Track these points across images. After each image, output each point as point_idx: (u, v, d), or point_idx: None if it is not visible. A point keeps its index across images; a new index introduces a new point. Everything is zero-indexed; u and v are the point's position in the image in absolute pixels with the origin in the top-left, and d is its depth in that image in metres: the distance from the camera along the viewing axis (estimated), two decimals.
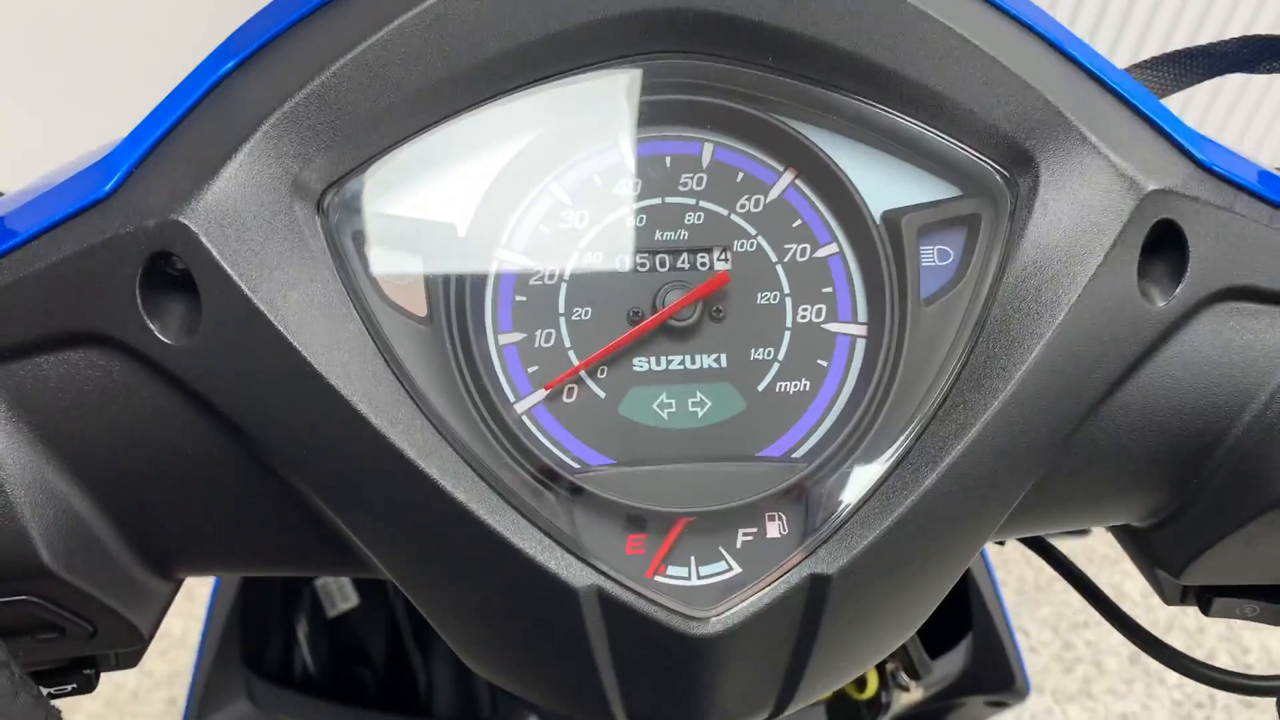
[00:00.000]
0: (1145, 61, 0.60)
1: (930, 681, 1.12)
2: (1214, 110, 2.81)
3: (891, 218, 0.52)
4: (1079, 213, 0.49)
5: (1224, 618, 0.60)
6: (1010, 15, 0.51)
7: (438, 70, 0.48)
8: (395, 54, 0.47)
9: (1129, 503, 0.56)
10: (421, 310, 0.50)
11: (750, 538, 0.50)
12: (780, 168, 0.52)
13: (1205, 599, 0.59)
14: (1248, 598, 0.59)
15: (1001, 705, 1.18)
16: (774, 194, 0.52)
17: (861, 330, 0.52)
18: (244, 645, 1.12)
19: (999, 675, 1.14)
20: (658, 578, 0.49)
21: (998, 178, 0.51)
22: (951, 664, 1.14)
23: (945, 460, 0.47)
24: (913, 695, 1.04)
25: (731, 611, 0.47)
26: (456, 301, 0.50)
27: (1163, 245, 0.50)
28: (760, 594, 0.47)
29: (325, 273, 0.47)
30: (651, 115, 0.52)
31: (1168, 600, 0.60)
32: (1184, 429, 0.52)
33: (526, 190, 0.51)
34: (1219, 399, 0.52)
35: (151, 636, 0.54)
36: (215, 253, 0.45)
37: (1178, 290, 0.50)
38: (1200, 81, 0.60)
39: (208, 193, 0.46)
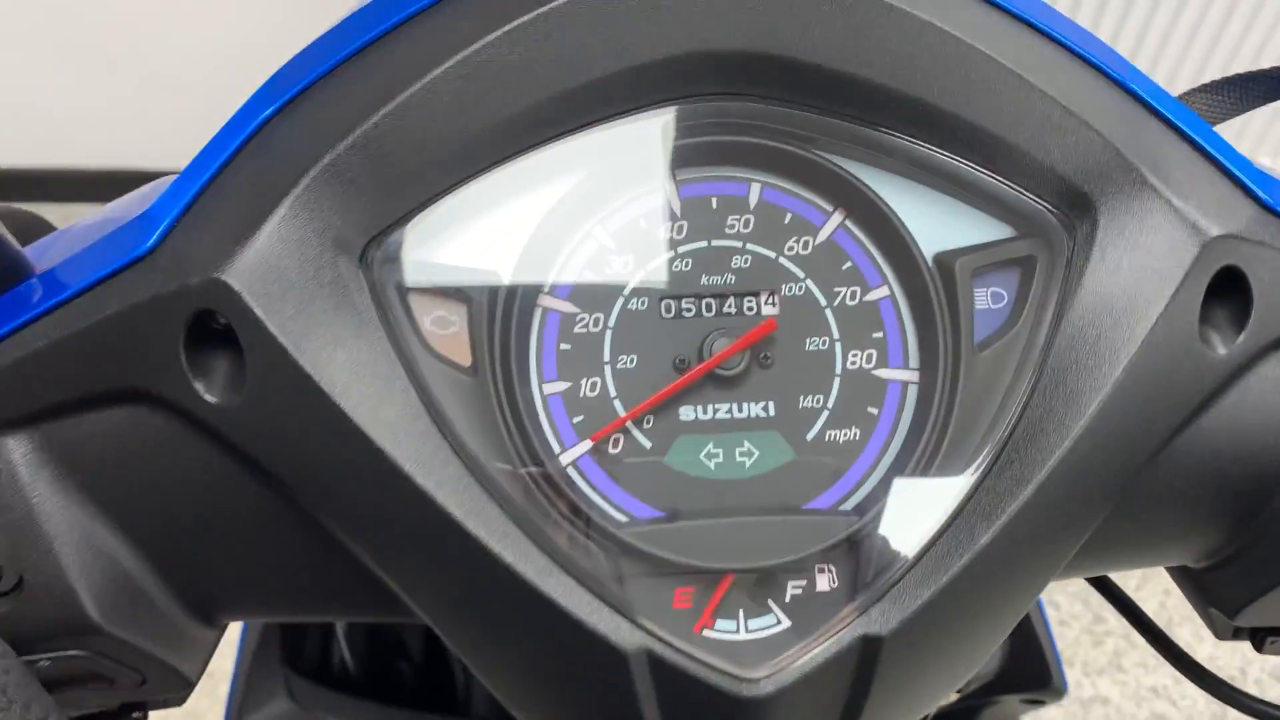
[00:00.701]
0: (1204, 86, 0.58)
1: (966, 681, 1.12)
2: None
3: (944, 259, 0.50)
4: (1139, 259, 0.48)
5: (1277, 655, 0.59)
6: (1066, 47, 0.50)
7: (481, 118, 0.47)
8: (438, 102, 0.46)
9: (1186, 546, 0.55)
10: (466, 360, 0.49)
11: (799, 590, 0.49)
12: (829, 208, 0.51)
13: (1259, 637, 0.58)
14: None
15: (1038, 703, 1.17)
16: (823, 235, 0.51)
17: (913, 376, 0.51)
18: (283, 643, 1.13)
19: (1036, 674, 1.14)
20: (706, 632, 0.48)
21: (1054, 220, 0.50)
22: (988, 663, 1.14)
23: (1001, 518, 0.46)
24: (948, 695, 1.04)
25: (782, 673, 0.46)
26: (501, 350, 0.49)
27: (1225, 289, 0.49)
28: (811, 655, 0.47)
29: (370, 329, 0.47)
30: (697, 156, 0.51)
31: (1219, 636, 0.59)
32: (1245, 474, 0.51)
33: (570, 235, 0.50)
34: (1278, 445, 0.50)
35: (198, 679, 0.55)
36: (259, 311, 0.45)
37: (1240, 338, 0.48)
38: (1259, 106, 0.59)
39: (250, 249, 0.45)
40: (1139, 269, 0.48)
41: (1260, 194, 0.49)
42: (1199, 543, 0.54)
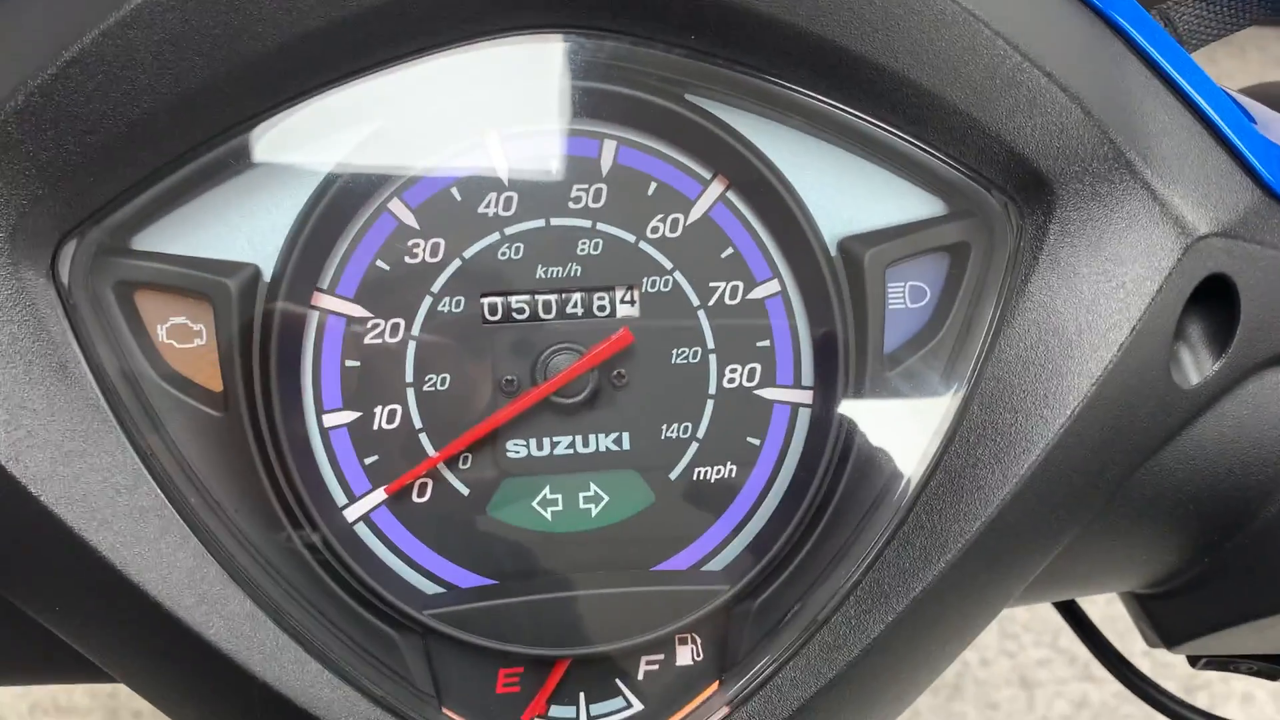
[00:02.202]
0: None
1: None
2: None
3: (850, 247, 0.39)
4: (1103, 265, 0.37)
5: (1214, 671, 0.52)
6: None
7: (218, 56, 0.33)
8: (150, 35, 0.32)
9: (1128, 578, 0.46)
10: (215, 384, 0.37)
11: (656, 666, 0.40)
12: (706, 175, 0.38)
13: (1195, 655, 0.51)
14: (1243, 658, 0.51)
15: None
16: (697, 212, 0.39)
17: (806, 397, 0.39)
18: None
19: None
20: None
21: (995, 203, 0.38)
22: None
23: (903, 601, 0.37)
24: None
25: None
26: (261, 371, 0.37)
27: (1205, 297, 0.38)
28: None
29: (69, 362, 0.34)
30: (531, 103, 0.37)
31: (1151, 645, 0.52)
32: (1203, 510, 0.42)
33: (355, 211, 0.37)
34: (1248, 480, 0.41)
35: None
36: None
37: (1218, 363, 0.38)
38: (1257, 23, 0.46)
39: None
40: (1102, 278, 0.37)
41: (1264, 172, 0.38)
42: (1144, 575, 0.46)
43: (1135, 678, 0.55)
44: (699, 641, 0.40)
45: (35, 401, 0.33)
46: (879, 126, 0.37)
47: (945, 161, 0.37)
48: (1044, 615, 2.17)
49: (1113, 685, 2.06)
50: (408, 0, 0.33)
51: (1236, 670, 0.51)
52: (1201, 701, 2.09)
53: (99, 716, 1.98)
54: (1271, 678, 0.51)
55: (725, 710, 0.38)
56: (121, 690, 1.98)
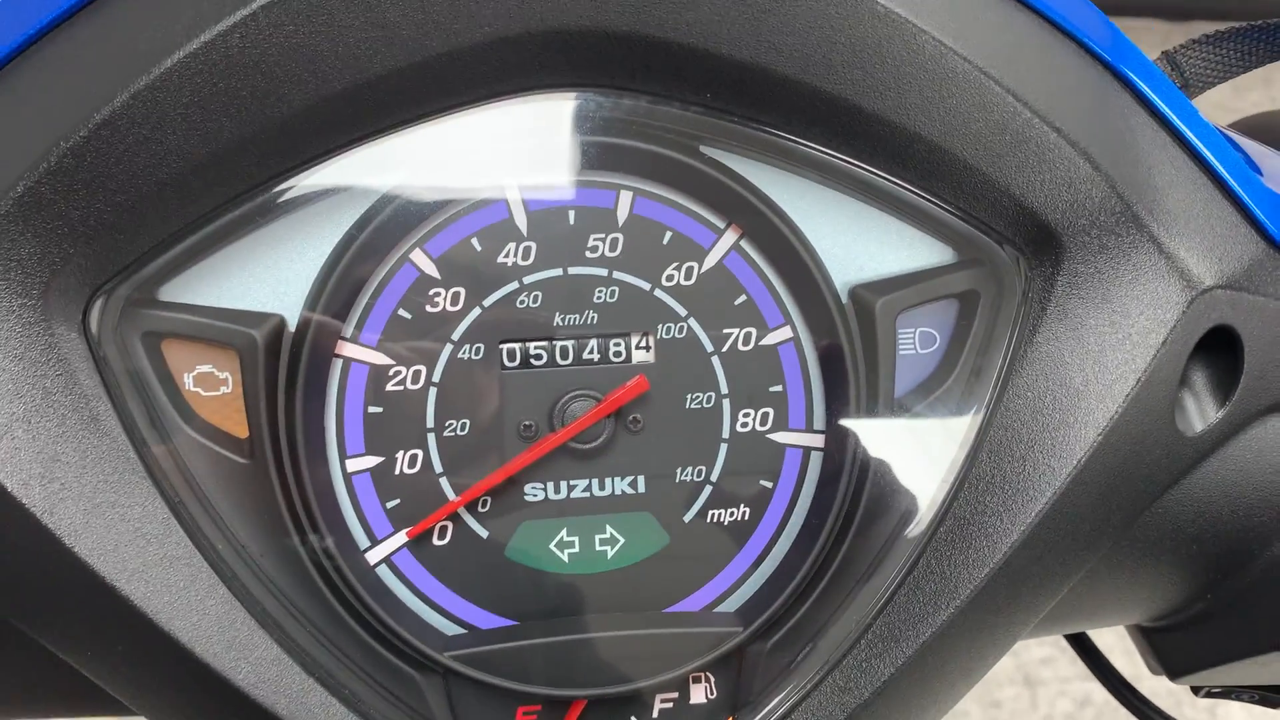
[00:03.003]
0: (1200, 39, 0.46)
1: None
2: None
3: (862, 295, 0.39)
4: (1110, 317, 0.37)
5: (1217, 699, 0.53)
6: (1053, 22, 0.37)
7: (244, 117, 0.34)
8: (179, 99, 0.33)
9: (1131, 614, 0.47)
10: (241, 431, 0.38)
11: (670, 704, 0.40)
12: (720, 225, 0.39)
13: (1198, 685, 0.52)
14: (1245, 688, 0.51)
15: None
16: (711, 261, 0.39)
17: (818, 441, 0.40)
18: None
19: None
20: None
21: (1004, 254, 0.38)
22: None
23: (913, 646, 0.38)
24: None
25: None
26: (286, 418, 0.38)
27: (1209, 346, 0.39)
28: None
29: (100, 414, 0.35)
30: (550, 157, 0.38)
31: (1154, 672, 0.53)
32: (1205, 551, 0.43)
33: (378, 262, 0.38)
34: (1251, 522, 0.42)
35: None
36: None
37: (1222, 411, 0.39)
38: (1263, 65, 0.46)
39: None
40: (1109, 330, 0.37)
41: (1268, 224, 0.38)
42: (1146, 611, 0.47)
43: (1140, 703, 0.56)
44: (713, 680, 0.41)
45: (68, 455, 0.34)
46: (890, 180, 0.37)
47: (955, 214, 0.38)
48: None
49: None
50: (431, 63, 0.34)
51: (1239, 699, 0.52)
52: (1205, 703, 2.09)
53: None
54: (1272, 706, 0.52)
55: None
56: None
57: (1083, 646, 0.58)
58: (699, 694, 0.40)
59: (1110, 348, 0.37)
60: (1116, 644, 0.75)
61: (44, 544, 0.34)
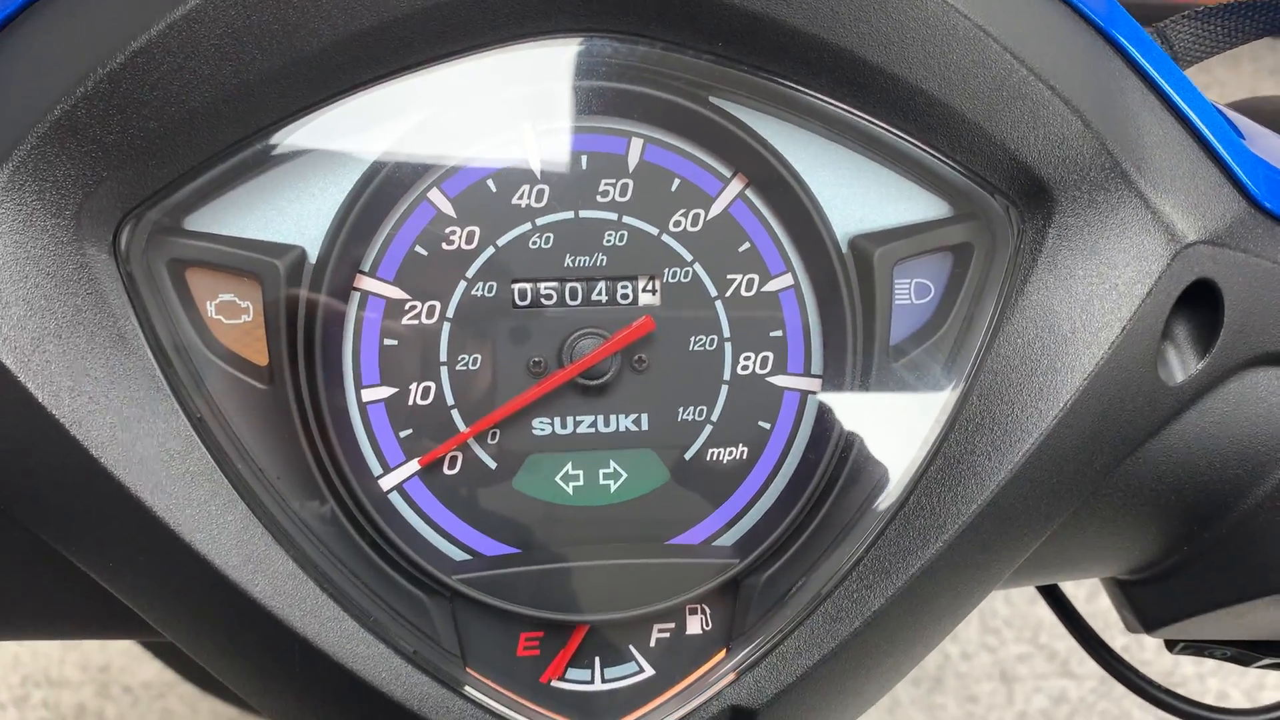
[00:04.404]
0: (1190, 14, 0.48)
1: None
2: None
3: (861, 245, 0.41)
4: (1098, 268, 0.39)
5: (1190, 655, 0.54)
6: None
7: (272, 51, 0.35)
8: (211, 32, 0.34)
9: (1109, 564, 0.49)
10: (261, 359, 0.39)
11: (667, 634, 0.42)
12: (727, 174, 0.41)
13: (1173, 640, 0.54)
14: (1219, 644, 0.53)
15: None
16: (717, 208, 0.41)
17: (815, 385, 0.42)
18: None
19: None
20: (555, 682, 0.41)
21: (999, 207, 0.40)
22: None
23: (904, 577, 0.39)
24: None
25: None
26: (305, 347, 0.39)
27: (1191, 301, 0.40)
28: None
29: (127, 333, 0.36)
30: (565, 102, 0.39)
31: (1131, 630, 0.55)
32: (1184, 501, 0.44)
33: (397, 200, 0.39)
34: (1228, 473, 0.44)
35: None
36: None
37: (1202, 363, 0.41)
38: (1253, 40, 0.48)
39: None
40: (1096, 280, 0.39)
41: (1250, 185, 0.40)
42: (1124, 562, 0.48)
43: (1112, 659, 0.57)
44: (708, 612, 0.42)
45: (97, 370, 0.35)
46: (891, 132, 0.39)
47: (953, 167, 0.39)
48: (1025, 611, 2.20)
49: (1090, 681, 2.09)
50: (453, 4, 0.35)
51: (1211, 655, 0.54)
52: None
53: (90, 690, 2.00)
54: (1244, 663, 0.54)
55: (732, 676, 0.40)
56: (113, 664, 2.00)
57: (1057, 602, 0.60)
58: (695, 625, 0.42)
59: (1097, 297, 0.39)
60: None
61: (72, 456, 0.35)
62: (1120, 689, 2.08)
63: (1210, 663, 2.08)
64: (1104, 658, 0.57)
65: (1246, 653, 0.53)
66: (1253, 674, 1.96)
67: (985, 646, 2.18)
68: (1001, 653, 2.16)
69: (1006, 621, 2.20)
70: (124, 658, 2.00)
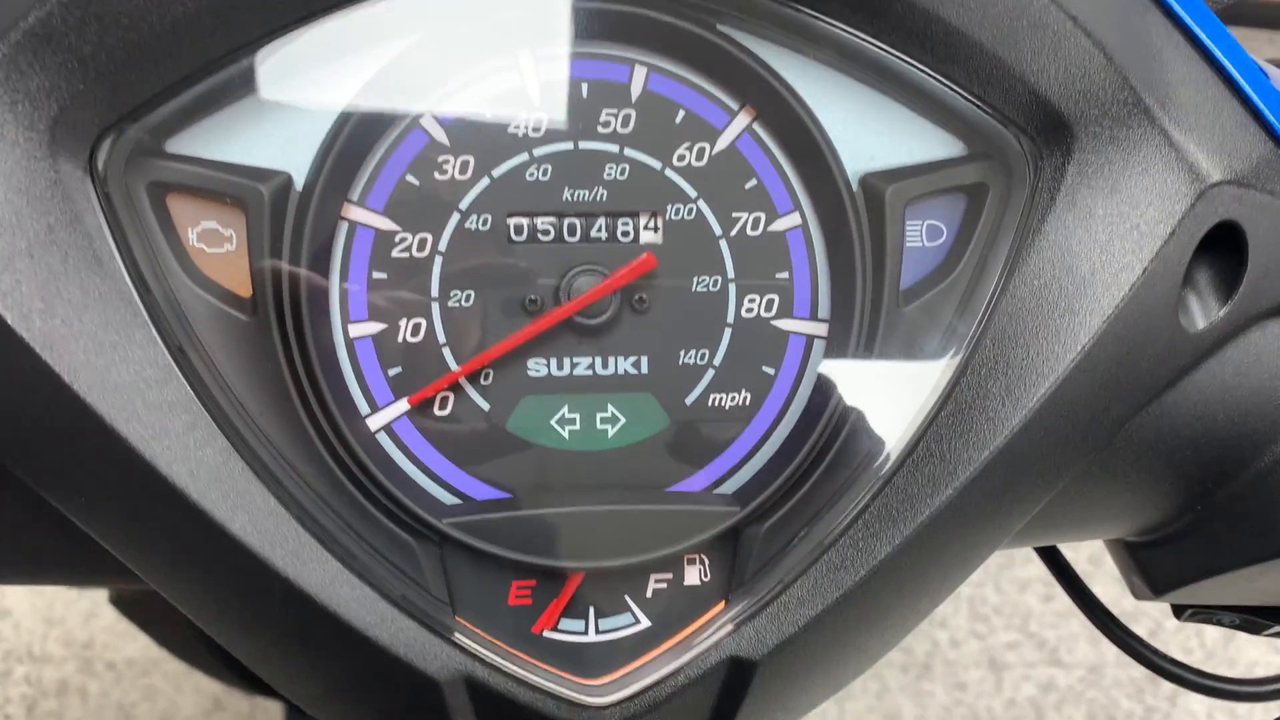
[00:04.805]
0: None
1: None
2: None
3: (873, 184, 0.39)
4: (1118, 207, 0.37)
5: (1197, 623, 0.53)
6: None
7: None
8: None
9: (1122, 524, 0.47)
10: (244, 290, 0.37)
11: (664, 585, 0.40)
12: (734, 106, 0.39)
13: (1180, 607, 0.52)
14: (1227, 610, 0.52)
15: None
16: (723, 142, 0.39)
17: (821, 329, 0.40)
18: None
19: None
20: (547, 633, 0.40)
21: (1016, 143, 0.39)
22: None
23: (911, 525, 0.38)
24: None
25: (632, 701, 0.38)
26: (291, 280, 0.37)
27: (1214, 245, 0.39)
28: (668, 678, 0.39)
29: (103, 255, 0.35)
30: (565, 25, 0.38)
31: (1138, 597, 0.53)
32: (1199, 457, 0.43)
33: (388, 125, 0.38)
34: (1246, 428, 0.42)
35: None
36: None
37: (1225, 309, 0.39)
38: None
39: None
40: (1117, 220, 0.37)
41: (1277, 126, 0.39)
42: (1136, 521, 0.47)
43: (1112, 624, 0.56)
44: (707, 563, 0.41)
45: (70, 292, 0.34)
46: (907, 62, 0.37)
47: (970, 100, 0.38)
48: (1014, 599, 2.20)
49: (1079, 670, 2.09)
50: None
51: (1220, 623, 0.53)
52: (1165, 690, 2.12)
53: (73, 666, 1.98)
54: (1252, 631, 0.52)
55: (729, 628, 0.39)
56: (97, 641, 1.98)
57: (1055, 563, 0.59)
58: (693, 576, 0.40)
59: (1118, 237, 0.37)
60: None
61: (42, 381, 0.33)
62: (1109, 678, 2.08)
63: (1197, 640, 2.08)
64: (1103, 621, 0.56)
65: (1255, 620, 0.52)
66: (1241, 662, 1.96)
67: (974, 634, 2.18)
68: (990, 640, 2.16)
69: (996, 609, 2.20)
70: (107, 635, 1.99)
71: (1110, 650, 2.10)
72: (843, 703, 2.06)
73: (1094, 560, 1.79)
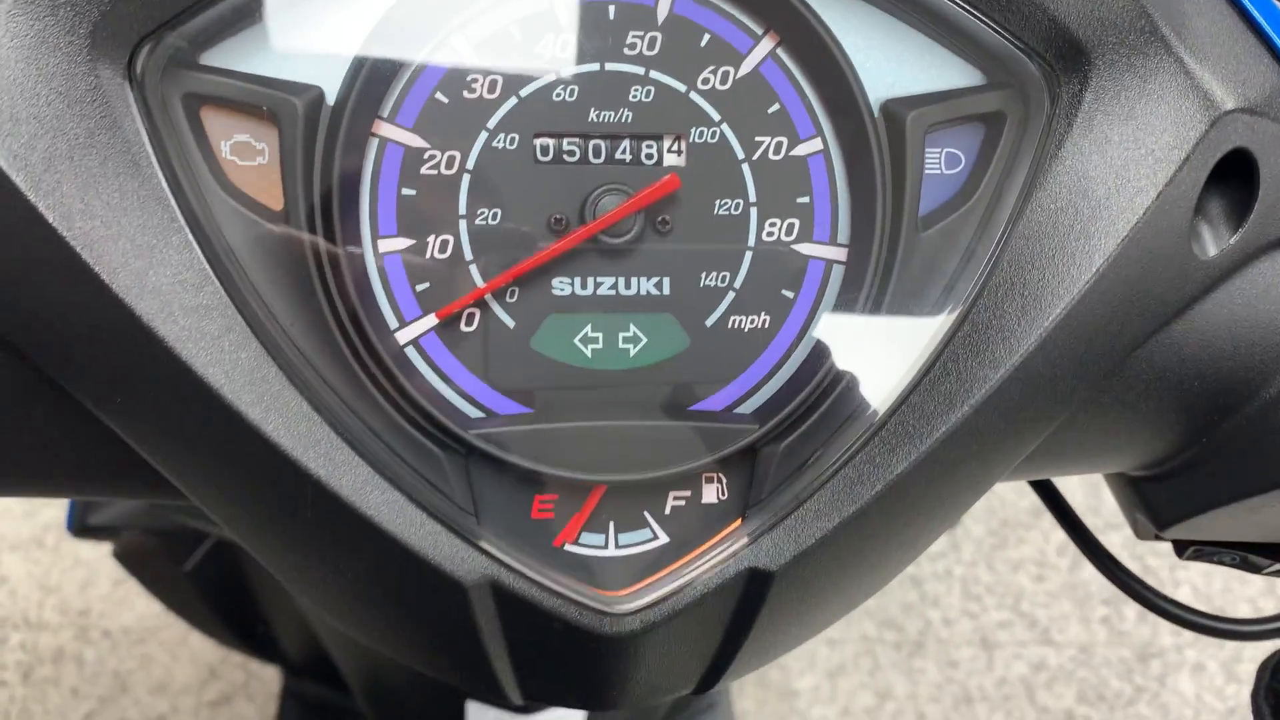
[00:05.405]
0: None
1: None
2: None
3: (894, 110, 0.40)
4: (1134, 133, 0.38)
5: (1198, 562, 0.54)
6: None
7: None
8: None
9: (1128, 456, 0.48)
10: (276, 204, 0.38)
11: (682, 502, 0.41)
12: (759, 31, 0.40)
13: (1181, 545, 0.53)
14: (1228, 548, 0.53)
15: None
16: (747, 67, 0.40)
17: (840, 254, 0.41)
18: None
19: None
20: (568, 546, 0.41)
21: (1035, 71, 0.39)
22: None
23: (927, 441, 0.39)
24: None
25: (652, 609, 0.39)
26: (323, 193, 0.38)
27: (1225, 174, 0.40)
28: (686, 587, 0.39)
29: (139, 163, 0.35)
30: None
31: (1141, 536, 0.54)
32: (1206, 388, 0.44)
33: (418, 44, 0.38)
34: (1252, 359, 0.43)
35: None
36: None
37: (1235, 237, 0.40)
38: None
39: None
40: (1132, 145, 0.38)
41: None
42: (1143, 453, 0.48)
43: (1111, 564, 0.57)
44: (724, 481, 0.41)
45: (109, 195, 0.34)
46: None
47: (990, 26, 0.39)
48: (1006, 579, 2.22)
49: (1070, 650, 2.10)
50: None
51: (1220, 562, 0.54)
52: (1154, 670, 2.13)
53: (69, 634, 1.99)
54: (1253, 570, 0.53)
55: (745, 541, 0.40)
56: (93, 609, 1.99)
57: (1055, 504, 0.60)
58: (711, 494, 0.41)
59: (1133, 162, 0.38)
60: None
61: (81, 280, 0.34)
62: (1099, 658, 2.10)
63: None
64: (1103, 561, 0.57)
65: (1255, 557, 0.53)
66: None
67: (966, 613, 2.20)
68: (983, 619, 2.18)
69: (988, 589, 2.22)
70: (104, 603, 1.99)
71: (1101, 631, 2.11)
72: (835, 679, 2.08)
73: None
